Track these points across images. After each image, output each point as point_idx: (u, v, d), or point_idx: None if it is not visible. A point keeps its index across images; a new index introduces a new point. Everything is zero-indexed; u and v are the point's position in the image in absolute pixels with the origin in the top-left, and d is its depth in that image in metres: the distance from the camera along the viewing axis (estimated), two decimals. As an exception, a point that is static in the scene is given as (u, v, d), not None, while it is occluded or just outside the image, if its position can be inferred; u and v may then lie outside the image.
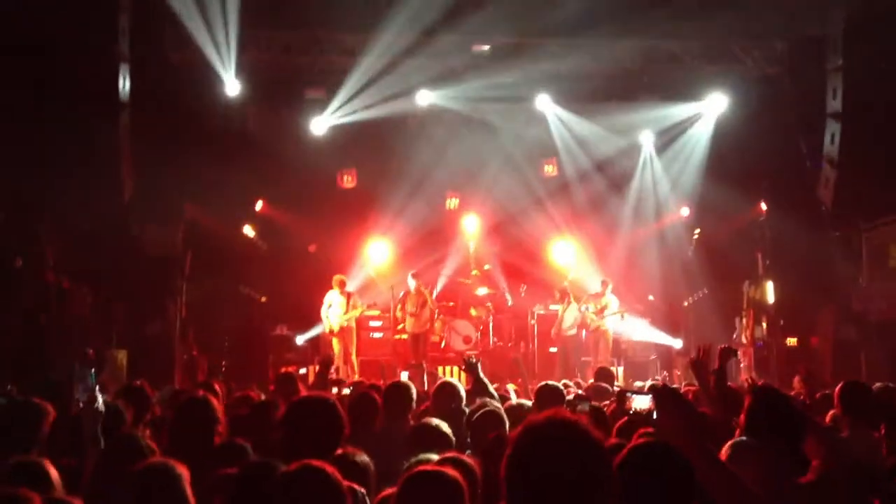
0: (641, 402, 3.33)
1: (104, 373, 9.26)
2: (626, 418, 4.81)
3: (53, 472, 3.32)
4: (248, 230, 14.84)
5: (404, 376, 11.20)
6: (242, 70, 13.48)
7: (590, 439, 1.99)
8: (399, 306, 13.65)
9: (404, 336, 13.77)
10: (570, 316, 13.57)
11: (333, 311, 12.97)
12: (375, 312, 14.06)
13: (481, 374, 6.13)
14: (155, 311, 11.97)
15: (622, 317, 13.42)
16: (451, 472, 2.88)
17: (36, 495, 2.71)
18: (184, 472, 3.06)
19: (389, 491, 3.04)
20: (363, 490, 3.26)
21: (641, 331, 14.17)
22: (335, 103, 14.13)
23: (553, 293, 14.12)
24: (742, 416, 3.76)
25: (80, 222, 11.38)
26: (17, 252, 10.55)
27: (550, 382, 6.11)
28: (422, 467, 3.00)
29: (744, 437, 3.62)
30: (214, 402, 4.20)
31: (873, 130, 12.02)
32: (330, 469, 2.67)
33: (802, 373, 7.30)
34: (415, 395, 5.63)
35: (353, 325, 13.16)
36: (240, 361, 11.46)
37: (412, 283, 13.53)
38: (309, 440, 3.26)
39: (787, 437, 3.54)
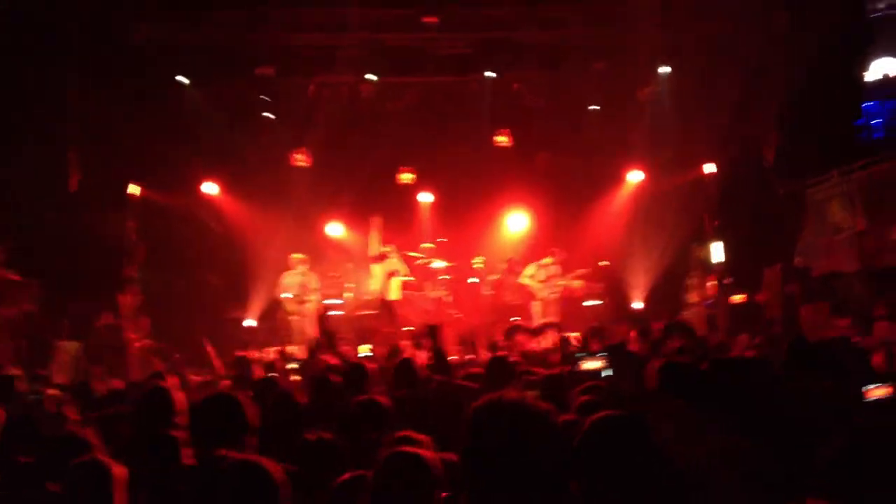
0: (591, 364, 3.48)
1: (52, 366, 9.17)
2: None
3: None
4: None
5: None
6: (192, 49, 13.25)
7: (542, 419, 1.94)
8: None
9: (369, 312, 13.77)
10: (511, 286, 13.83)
11: (291, 292, 12.90)
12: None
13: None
14: (107, 300, 11.79)
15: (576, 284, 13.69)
16: (427, 454, 2.85)
17: None
18: (118, 471, 3.07)
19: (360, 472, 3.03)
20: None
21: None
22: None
23: (504, 264, 14.31)
24: None
25: (27, 214, 11.17)
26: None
27: (500, 356, 6.15)
28: (397, 448, 2.95)
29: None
30: (174, 393, 4.17)
31: (815, 91, 12.25)
32: (266, 463, 2.63)
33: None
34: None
35: (312, 305, 13.07)
36: (194, 347, 11.40)
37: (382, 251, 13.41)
38: (213, 436, 3.25)
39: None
